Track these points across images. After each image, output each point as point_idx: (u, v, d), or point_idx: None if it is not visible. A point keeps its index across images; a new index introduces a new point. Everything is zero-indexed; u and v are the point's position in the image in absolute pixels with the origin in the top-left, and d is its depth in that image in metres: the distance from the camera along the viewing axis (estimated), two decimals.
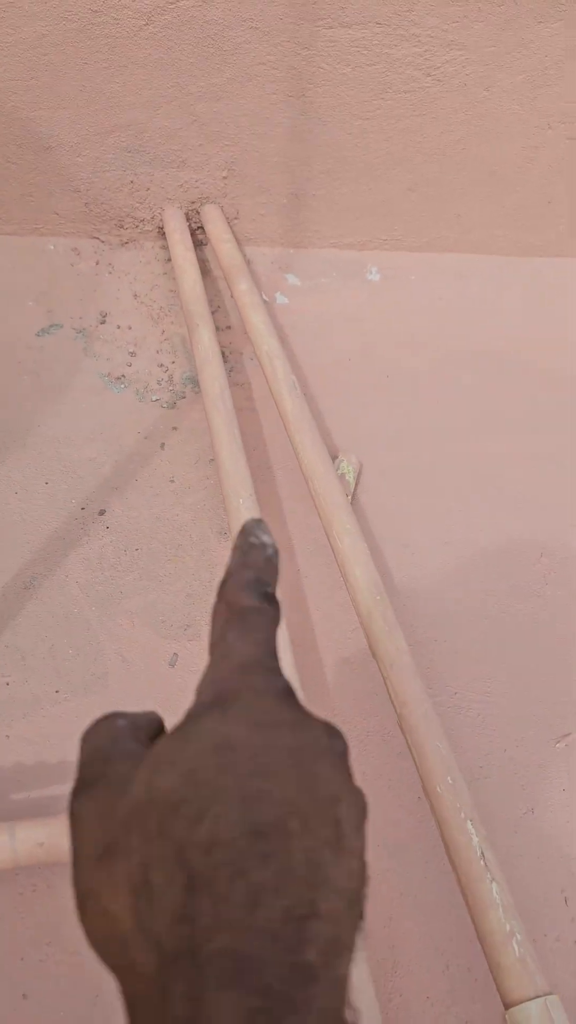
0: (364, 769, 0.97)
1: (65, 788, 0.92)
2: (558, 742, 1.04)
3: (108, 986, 0.80)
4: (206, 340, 1.28)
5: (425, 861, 0.91)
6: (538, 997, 0.70)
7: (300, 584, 1.15)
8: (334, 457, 1.29)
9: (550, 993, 0.71)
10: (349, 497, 1.24)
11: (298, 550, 1.19)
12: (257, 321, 1.31)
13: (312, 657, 1.07)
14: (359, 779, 0.85)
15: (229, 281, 1.41)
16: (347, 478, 1.25)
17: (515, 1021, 0.70)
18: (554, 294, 1.69)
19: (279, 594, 0.37)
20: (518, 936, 0.74)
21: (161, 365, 1.44)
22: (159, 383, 1.41)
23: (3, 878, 0.85)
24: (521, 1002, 0.70)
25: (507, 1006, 0.72)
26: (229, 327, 1.52)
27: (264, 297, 1.53)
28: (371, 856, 0.77)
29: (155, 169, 1.48)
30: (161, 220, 1.54)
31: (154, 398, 1.39)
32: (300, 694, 0.88)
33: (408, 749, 0.87)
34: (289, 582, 1.14)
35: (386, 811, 0.94)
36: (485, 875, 0.77)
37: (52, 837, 0.78)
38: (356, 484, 1.28)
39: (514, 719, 1.05)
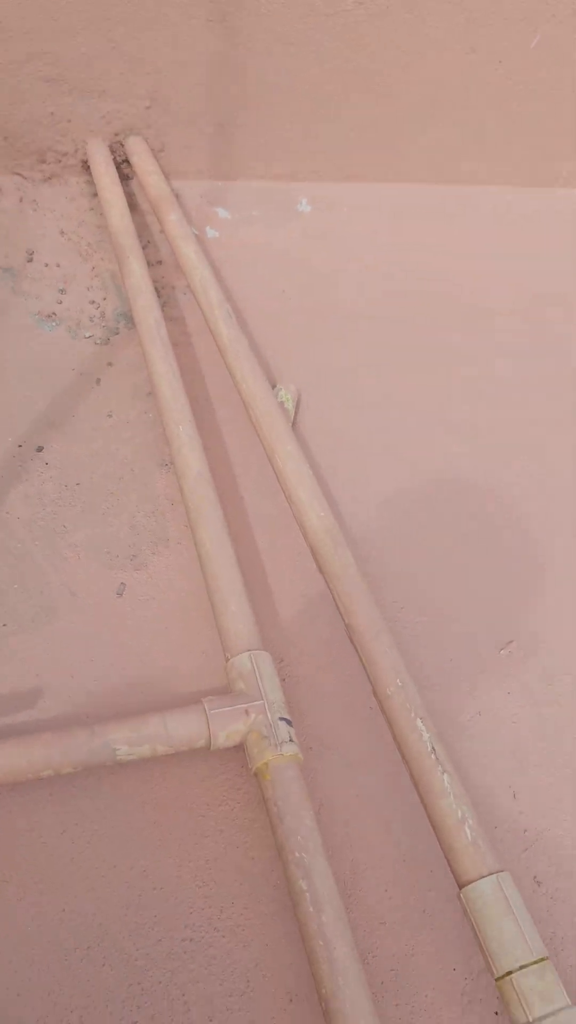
0: (318, 685, 0.99)
1: (17, 717, 0.92)
2: (502, 649, 1.07)
3: (74, 898, 0.81)
4: (137, 272, 1.26)
5: (380, 768, 0.93)
6: (491, 875, 0.74)
7: (245, 512, 1.15)
8: (272, 386, 1.29)
9: (501, 871, 0.75)
10: (289, 424, 1.24)
11: (240, 479, 1.19)
12: (188, 251, 1.29)
13: (261, 583, 1.08)
14: (309, 695, 0.87)
15: (157, 213, 1.39)
16: (286, 407, 1.25)
17: (469, 898, 0.73)
18: (484, 222, 1.70)
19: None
20: (470, 821, 0.77)
21: (93, 302, 1.42)
22: (91, 320, 1.39)
23: None
24: (474, 880, 0.73)
25: (461, 886, 0.75)
26: (160, 262, 1.50)
27: (194, 231, 1.51)
28: (327, 767, 0.80)
29: (76, 99, 1.44)
30: (85, 154, 1.50)
31: (87, 335, 1.37)
32: (252, 619, 0.89)
33: (358, 657, 0.89)
34: (234, 510, 1.14)
35: (340, 725, 0.96)
36: (436, 768, 0.79)
37: (9, 758, 0.78)
38: (296, 412, 1.29)
39: (459, 630, 1.08)
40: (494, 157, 1.70)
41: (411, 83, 1.53)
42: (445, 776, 0.79)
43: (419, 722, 0.82)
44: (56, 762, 0.79)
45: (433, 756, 0.80)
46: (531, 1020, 0.67)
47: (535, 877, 0.89)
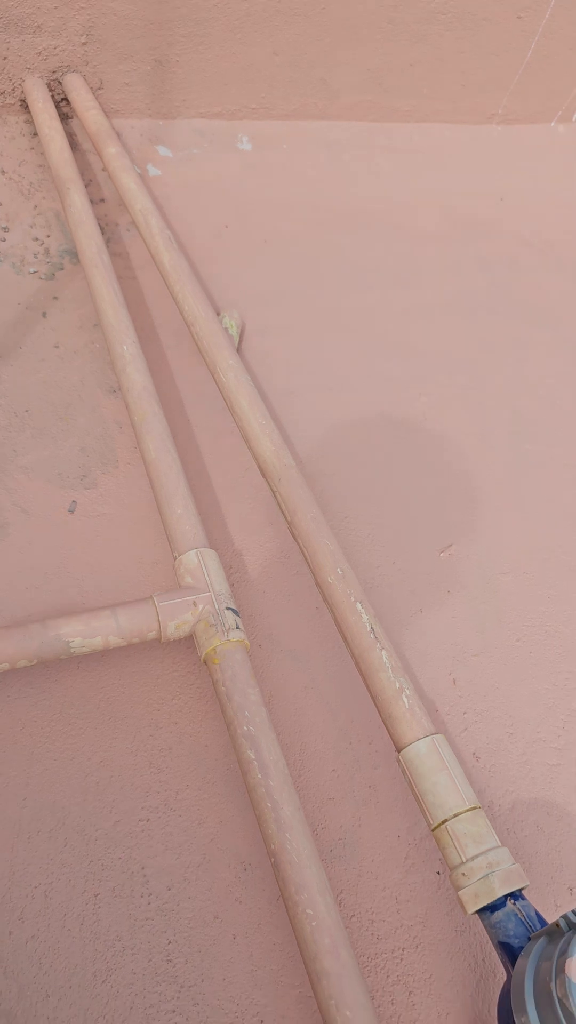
0: (265, 585, 1.03)
1: None
2: (441, 552, 1.12)
3: (35, 788, 0.85)
4: (78, 203, 1.27)
5: (324, 659, 0.98)
6: (426, 736, 0.78)
7: (190, 426, 1.18)
8: (216, 314, 1.31)
9: (436, 733, 0.79)
10: (232, 341, 1.27)
11: (186, 400, 1.22)
12: (128, 183, 1.30)
13: (207, 492, 1.11)
14: (257, 596, 0.91)
15: (97, 147, 1.40)
16: (230, 333, 1.28)
17: (407, 759, 0.78)
18: (418, 157, 1.73)
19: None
20: (407, 691, 0.81)
21: (36, 239, 1.43)
22: (35, 256, 1.40)
23: None
24: (412, 743, 0.78)
25: (399, 749, 0.79)
26: (103, 199, 1.51)
27: (136, 169, 1.52)
28: (276, 662, 0.83)
29: (10, 35, 1.43)
30: (23, 92, 1.50)
31: (32, 271, 1.38)
32: (197, 519, 0.92)
33: (300, 551, 0.93)
34: (179, 426, 1.17)
35: (287, 622, 1.01)
36: (375, 645, 0.84)
37: None
38: (240, 339, 1.31)
39: (401, 536, 1.13)
40: (423, 92, 1.72)
41: (342, 18, 1.55)
42: (383, 652, 0.83)
43: (358, 605, 0.86)
44: (10, 655, 0.82)
45: (372, 635, 0.84)
46: (465, 860, 0.72)
47: (474, 753, 0.95)
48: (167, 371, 1.25)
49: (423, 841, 0.87)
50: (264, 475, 0.99)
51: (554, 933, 0.65)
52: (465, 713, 0.98)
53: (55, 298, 1.34)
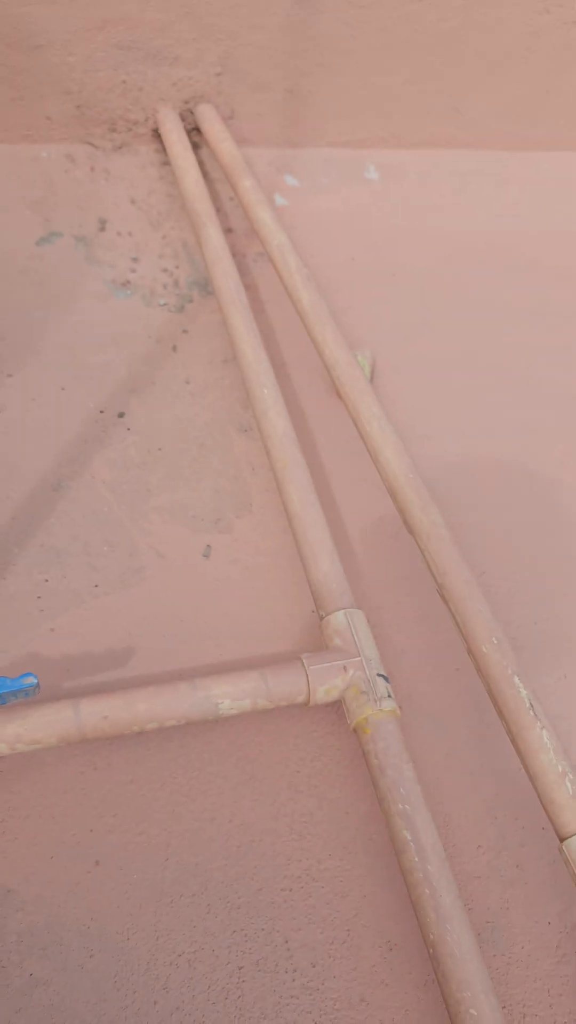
0: (404, 644, 1.00)
1: (112, 675, 0.94)
2: None
3: (177, 848, 0.83)
4: (214, 238, 1.27)
5: (467, 726, 0.94)
6: None
7: (326, 478, 1.16)
8: None
9: None
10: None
11: (320, 443, 1.20)
12: (265, 217, 1.29)
13: (347, 544, 1.09)
14: (396, 655, 0.88)
15: (231, 179, 1.39)
16: (363, 372, 1.25)
17: (572, 850, 0.74)
18: (555, 187, 1.68)
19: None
20: (570, 775, 0.77)
21: (165, 270, 1.43)
22: (164, 287, 1.40)
23: (65, 755, 0.88)
24: None
25: (563, 838, 0.75)
26: (231, 230, 1.50)
27: (270, 203, 1.51)
28: (416, 726, 0.80)
29: (148, 67, 1.44)
30: (155, 122, 1.50)
31: (161, 302, 1.38)
32: (344, 585, 0.90)
33: (451, 615, 0.89)
34: (317, 473, 1.15)
35: (427, 684, 0.97)
36: (535, 723, 0.80)
37: (114, 711, 0.80)
38: (371, 378, 1.29)
39: (542, 595, 1.08)
40: (560, 121, 1.67)
41: (479, 46, 1.51)
42: (544, 732, 0.79)
43: (516, 679, 0.82)
44: (159, 715, 0.81)
45: (532, 712, 0.80)
46: None
47: None
48: (299, 413, 1.23)
49: (575, 929, 0.83)
50: (411, 531, 0.96)
51: None
52: None
53: (185, 331, 1.34)
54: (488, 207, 1.63)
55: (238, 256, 1.46)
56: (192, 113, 1.52)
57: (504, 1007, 0.78)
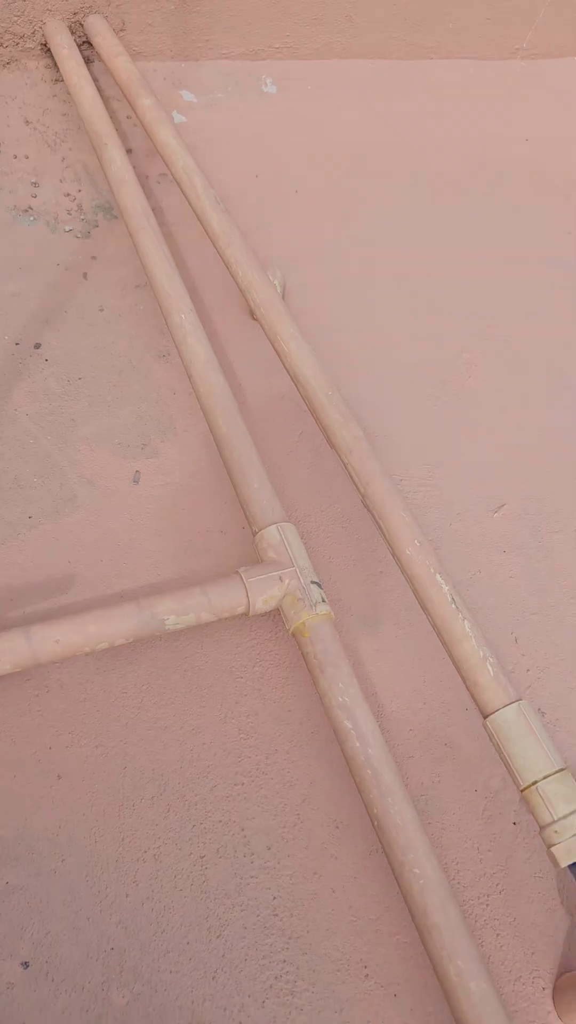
0: (332, 552, 1.06)
1: (55, 602, 0.98)
2: (495, 512, 1.15)
3: (133, 757, 0.89)
4: (117, 160, 1.25)
5: (395, 624, 1.02)
6: (512, 703, 0.83)
7: (248, 399, 1.19)
8: None
9: (520, 699, 0.84)
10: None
11: (239, 367, 1.23)
12: (167, 137, 1.28)
13: (273, 461, 1.13)
14: (324, 562, 0.93)
15: (129, 97, 1.36)
16: (277, 292, 1.27)
17: (496, 724, 0.82)
18: (451, 96, 1.70)
19: None
20: (491, 659, 0.85)
21: (68, 195, 1.40)
22: (69, 213, 1.38)
23: (19, 680, 0.91)
24: (499, 709, 0.83)
25: (486, 715, 0.84)
26: (131, 150, 1.48)
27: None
28: (348, 627, 0.85)
29: None
30: (43, 35, 1.45)
31: (67, 229, 1.36)
32: (274, 501, 0.94)
33: (375, 523, 0.95)
34: (238, 398, 1.18)
35: (355, 587, 1.04)
36: (457, 615, 0.87)
37: (65, 634, 0.84)
38: (283, 297, 1.31)
39: (454, 497, 1.16)
40: (455, 30, 1.68)
41: None
42: (466, 622, 0.87)
43: (438, 576, 0.89)
44: (109, 635, 0.85)
45: (454, 605, 0.88)
46: (556, 819, 0.78)
47: (539, 708, 1.00)
48: (216, 335, 1.25)
49: (499, 794, 0.92)
50: (333, 446, 1.00)
51: None
52: (528, 671, 1.02)
53: (94, 258, 1.33)
54: (386, 118, 1.64)
55: (141, 178, 1.44)
56: (82, 25, 1.47)
57: (442, 866, 0.87)
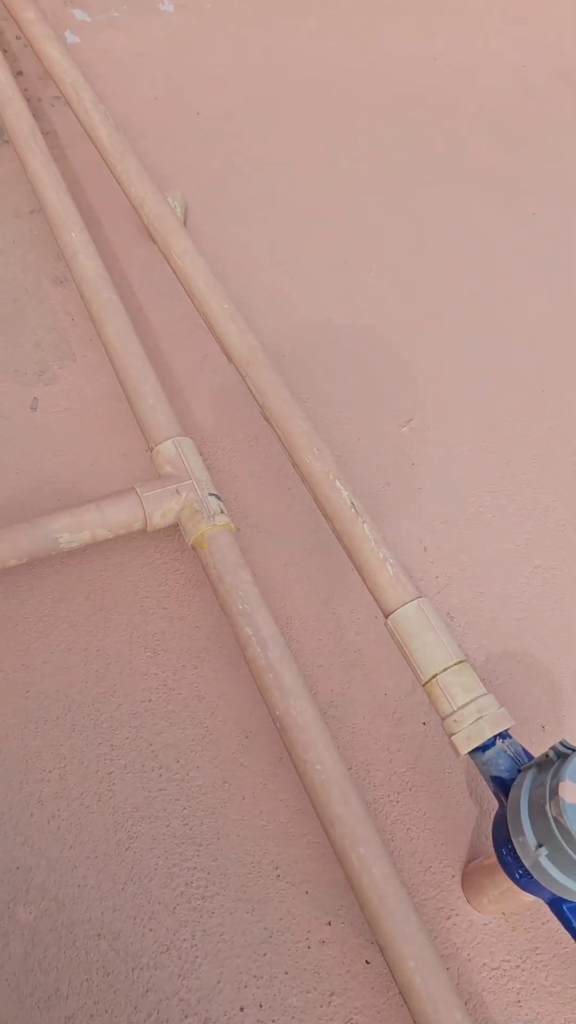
0: (237, 468, 1.05)
1: None
2: (403, 426, 1.15)
3: (36, 680, 0.87)
4: (2, 79, 1.20)
5: (303, 538, 1.01)
6: (412, 600, 0.83)
7: (146, 317, 1.16)
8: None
9: (420, 597, 0.84)
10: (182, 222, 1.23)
11: (135, 285, 1.20)
12: (54, 53, 1.23)
13: (171, 378, 1.11)
14: (230, 479, 0.92)
15: (12, 11, 1.30)
16: (171, 208, 1.24)
17: (396, 621, 0.83)
18: (358, 12, 1.66)
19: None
20: (391, 560, 0.85)
21: None
22: None
23: None
24: (399, 607, 0.83)
25: (387, 614, 0.84)
26: (21, 72, 1.42)
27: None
28: (255, 542, 0.84)
29: None
30: None
31: None
32: (170, 416, 0.92)
33: (275, 433, 0.94)
34: (135, 314, 1.15)
35: (261, 503, 1.03)
36: (357, 519, 0.87)
37: None
38: (185, 221, 1.28)
39: (364, 414, 1.15)
40: None
41: None
42: (365, 526, 0.86)
43: (337, 482, 0.89)
44: (2, 555, 0.83)
45: (353, 510, 0.87)
46: (456, 708, 0.78)
47: (448, 613, 1.00)
48: (112, 257, 1.21)
49: (408, 697, 0.93)
50: (231, 360, 0.99)
51: (544, 763, 0.72)
52: (437, 577, 1.03)
53: None
54: (292, 37, 1.60)
55: (33, 101, 1.39)
56: None
57: (350, 768, 0.88)
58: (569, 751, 0.70)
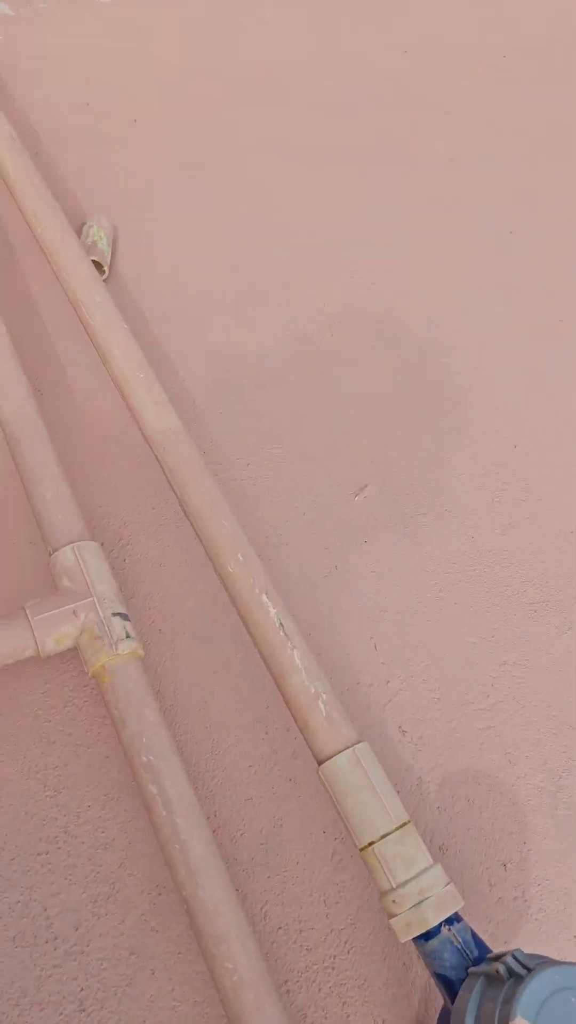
0: (159, 564, 0.92)
1: None
2: (356, 495, 1.02)
3: None
4: None
5: (234, 641, 0.88)
6: (347, 748, 0.71)
7: (47, 390, 1.01)
8: (82, 224, 1.12)
9: (359, 742, 0.72)
10: (106, 266, 1.09)
11: (54, 333, 1.05)
12: None
13: (81, 461, 0.97)
14: (152, 573, 0.77)
15: None
16: (99, 246, 1.09)
17: (327, 774, 0.70)
18: (307, 15, 1.50)
19: None
20: (323, 696, 0.73)
21: None
22: None
23: None
24: (331, 756, 0.70)
25: (320, 762, 0.72)
26: None
27: None
28: (180, 646, 0.70)
29: None
30: None
31: None
32: (73, 512, 0.78)
33: (195, 534, 0.81)
34: (42, 376, 1.01)
35: (190, 602, 0.90)
36: (286, 644, 0.74)
37: None
38: (112, 250, 1.13)
39: (310, 480, 1.02)
40: None
41: None
42: (295, 652, 0.74)
43: (264, 597, 0.76)
44: None
45: (282, 632, 0.75)
46: (395, 886, 0.67)
47: (400, 726, 0.88)
48: (16, 309, 1.06)
49: (349, 836, 0.81)
50: (147, 440, 0.85)
51: (494, 979, 0.60)
52: (389, 682, 0.91)
53: None
54: (243, 32, 1.44)
55: None
56: None
57: (279, 928, 0.76)
58: (523, 970, 0.59)
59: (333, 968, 0.75)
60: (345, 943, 0.77)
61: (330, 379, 1.10)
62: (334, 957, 0.76)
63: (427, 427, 1.09)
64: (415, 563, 0.98)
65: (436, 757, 0.87)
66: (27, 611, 0.74)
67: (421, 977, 0.76)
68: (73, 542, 0.78)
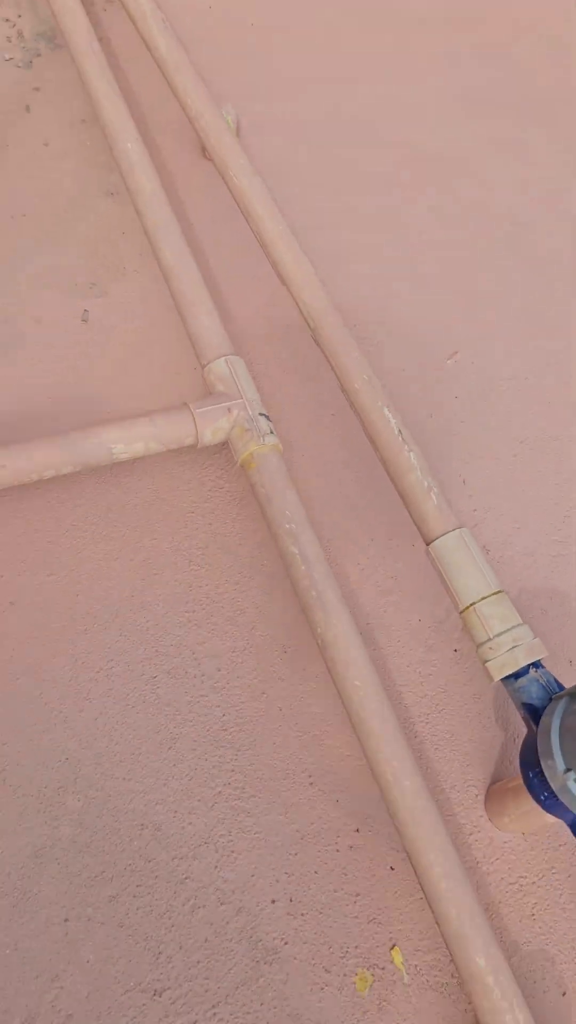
0: (286, 388, 1.06)
1: (5, 437, 0.97)
2: (448, 359, 1.15)
3: (86, 585, 0.90)
4: None
5: (346, 460, 1.03)
6: (454, 530, 0.85)
7: (198, 231, 1.15)
8: None
9: (462, 526, 0.86)
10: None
11: (191, 205, 1.19)
12: None
13: (224, 297, 1.11)
14: (278, 400, 0.92)
15: None
16: (227, 124, 1.22)
17: (437, 549, 0.85)
18: None
19: None
20: (435, 489, 0.87)
21: (7, 20, 1.32)
22: (9, 40, 1.30)
23: None
24: (441, 535, 0.85)
25: (429, 542, 0.86)
26: None
27: None
28: (299, 463, 0.84)
29: None
30: None
31: (7, 57, 1.28)
32: (222, 334, 0.92)
33: (326, 358, 0.95)
34: (188, 236, 1.15)
35: (308, 425, 1.04)
36: (404, 447, 0.88)
37: (11, 459, 0.83)
38: (237, 136, 1.26)
39: (409, 344, 1.15)
40: None
41: None
42: (411, 454, 0.88)
43: (386, 410, 0.90)
44: (56, 462, 0.85)
45: (400, 438, 0.89)
46: (491, 636, 0.81)
47: (484, 546, 1.02)
48: (168, 174, 1.20)
49: (441, 625, 0.96)
50: (284, 282, 0.99)
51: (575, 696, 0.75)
52: (475, 510, 1.05)
53: (36, 89, 1.26)
54: None
55: (86, 4, 1.35)
56: None
57: (381, 678, 0.91)
58: None
59: (427, 723, 0.90)
60: (436, 706, 0.92)
61: (429, 260, 1.23)
62: (428, 715, 0.91)
63: (508, 306, 1.22)
64: (498, 418, 1.12)
65: (515, 573, 1.02)
66: (191, 406, 0.89)
67: (498, 735, 0.91)
68: (224, 355, 0.93)
